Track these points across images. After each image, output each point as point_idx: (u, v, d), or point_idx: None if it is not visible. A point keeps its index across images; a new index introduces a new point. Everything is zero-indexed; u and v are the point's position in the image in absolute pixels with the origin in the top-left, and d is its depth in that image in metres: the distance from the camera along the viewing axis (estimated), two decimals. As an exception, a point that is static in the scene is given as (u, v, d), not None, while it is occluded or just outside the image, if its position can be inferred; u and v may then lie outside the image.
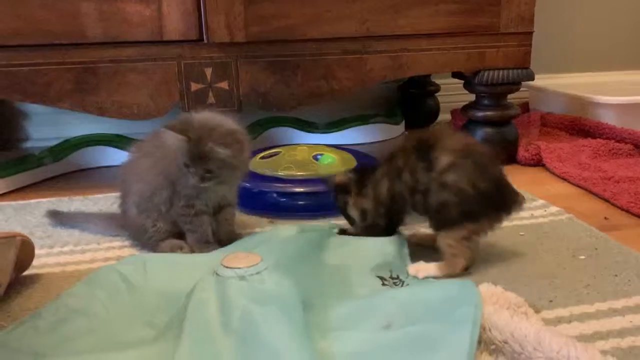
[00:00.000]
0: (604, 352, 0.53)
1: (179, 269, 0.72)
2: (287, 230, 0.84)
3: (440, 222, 0.75)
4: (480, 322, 0.56)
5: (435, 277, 0.74)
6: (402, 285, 0.72)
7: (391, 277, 0.74)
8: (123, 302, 0.66)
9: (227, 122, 0.82)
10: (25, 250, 0.76)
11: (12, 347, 0.57)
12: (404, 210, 0.81)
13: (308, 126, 1.54)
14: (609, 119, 1.47)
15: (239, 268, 0.63)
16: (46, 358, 0.57)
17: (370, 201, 0.83)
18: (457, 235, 0.74)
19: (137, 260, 0.74)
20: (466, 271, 0.76)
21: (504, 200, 0.75)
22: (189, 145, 0.77)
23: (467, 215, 0.73)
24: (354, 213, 0.86)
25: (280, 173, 1.04)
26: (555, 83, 1.71)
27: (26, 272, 0.79)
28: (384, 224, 0.84)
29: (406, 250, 0.81)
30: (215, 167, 0.79)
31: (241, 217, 1.01)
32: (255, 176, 1.04)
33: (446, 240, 0.75)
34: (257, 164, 1.08)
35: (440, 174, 0.73)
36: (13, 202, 1.10)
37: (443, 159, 0.74)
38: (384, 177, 0.81)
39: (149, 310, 0.64)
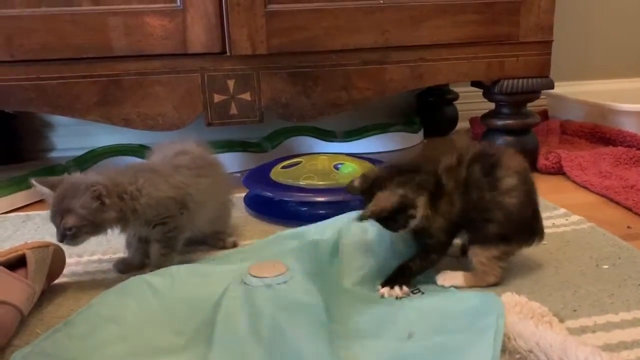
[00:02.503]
0: (629, 362, 0.54)
1: (206, 278, 0.73)
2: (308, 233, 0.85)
3: (478, 237, 0.75)
4: (503, 331, 0.57)
5: (459, 287, 0.75)
6: (420, 295, 0.73)
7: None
8: (152, 310, 0.68)
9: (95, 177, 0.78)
10: (57, 259, 0.78)
11: (48, 354, 0.59)
12: (464, 226, 0.76)
13: (327, 135, 1.56)
14: (630, 126, 1.46)
15: (266, 277, 0.64)
16: None
17: (442, 219, 0.74)
18: (490, 253, 0.74)
19: (165, 272, 0.76)
20: (493, 286, 0.76)
21: (534, 230, 0.77)
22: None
23: (503, 237, 0.74)
24: (414, 224, 0.74)
25: (302, 182, 1.05)
26: (575, 90, 1.70)
27: (57, 281, 0.82)
28: (448, 240, 0.77)
29: None
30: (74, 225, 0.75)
31: (263, 226, 1.02)
32: (276, 185, 1.06)
33: (479, 258, 0.74)
34: (278, 174, 1.10)
35: (502, 195, 0.73)
36: (42, 212, 1.12)
37: (508, 181, 0.73)
38: (456, 195, 0.74)
39: (177, 319, 0.66)
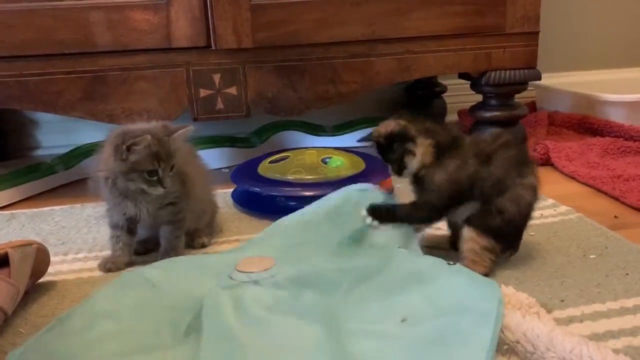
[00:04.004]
0: (616, 351, 0.53)
1: (203, 270, 0.72)
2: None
3: (482, 221, 0.74)
4: (502, 317, 0.56)
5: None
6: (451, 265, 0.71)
7: None
8: (149, 304, 0.67)
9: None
10: (40, 258, 0.77)
11: (45, 351, 0.59)
12: (473, 196, 0.74)
13: (315, 129, 1.55)
14: (618, 116, 1.47)
15: (253, 272, 0.64)
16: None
17: (446, 176, 0.73)
18: (484, 243, 0.74)
19: (162, 264, 0.75)
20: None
21: (516, 242, 0.80)
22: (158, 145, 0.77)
23: (499, 233, 0.74)
24: (413, 168, 0.74)
25: (289, 177, 1.05)
26: (562, 82, 1.70)
27: (42, 280, 0.80)
28: (444, 208, 0.75)
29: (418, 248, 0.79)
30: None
31: (251, 222, 1.02)
32: (264, 181, 1.05)
33: (473, 245, 0.74)
34: (266, 169, 1.09)
35: (524, 187, 0.75)
36: (27, 210, 1.11)
37: (532, 179, 0.76)
38: (472, 158, 0.73)
39: (174, 313, 0.65)
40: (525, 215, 0.77)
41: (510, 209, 0.74)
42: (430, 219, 0.78)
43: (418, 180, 0.75)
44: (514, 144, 0.77)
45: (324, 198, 0.85)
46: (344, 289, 0.65)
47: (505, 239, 0.76)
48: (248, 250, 0.80)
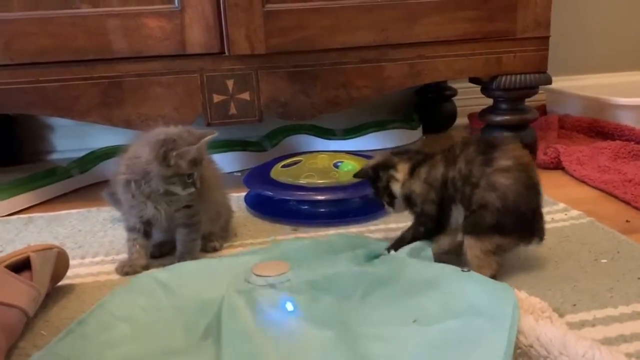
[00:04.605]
0: (628, 355, 0.54)
1: (215, 273, 0.73)
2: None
3: (474, 225, 0.75)
4: (518, 322, 0.57)
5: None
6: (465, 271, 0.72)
7: None
8: (163, 308, 0.68)
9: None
10: (60, 262, 0.79)
11: (63, 356, 0.60)
12: (454, 199, 0.78)
13: (326, 133, 1.56)
14: (629, 120, 1.47)
15: (269, 276, 0.65)
16: None
17: (421, 183, 0.81)
18: (484, 247, 0.75)
19: (173, 267, 0.76)
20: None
21: (532, 229, 0.77)
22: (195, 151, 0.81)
23: (498, 228, 0.74)
24: (398, 191, 0.83)
25: (302, 181, 1.06)
26: (573, 85, 1.70)
27: (61, 283, 0.82)
28: (434, 212, 0.81)
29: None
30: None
31: (264, 226, 1.03)
32: (276, 184, 1.06)
33: (474, 251, 0.75)
34: (279, 173, 1.10)
35: (494, 173, 0.74)
36: (44, 214, 1.13)
37: (502, 161, 0.74)
38: (440, 162, 0.80)
39: (188, 316, 0.66)
40: (515, 198, 0.73)
41: (489, 198, 0.74)
42: (432, 229, 0.82)
43: (408, 200, 0.83)
44: (473, 141, 0.79)
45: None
46: (358, 295, 0.66)
47: (509, 228, 0.74)
48: (260, 254, 0.81)
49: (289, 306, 0.62)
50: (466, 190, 0.76)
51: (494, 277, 0.75)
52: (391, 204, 0.85)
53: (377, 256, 0.78)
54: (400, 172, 0.83)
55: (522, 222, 0.75)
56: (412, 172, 0.83)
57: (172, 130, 0.84)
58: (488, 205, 0.74)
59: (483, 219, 0.74)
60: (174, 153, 0.79)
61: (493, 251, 0.75)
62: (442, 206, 0.80)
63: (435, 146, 0.87)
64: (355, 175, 0.90)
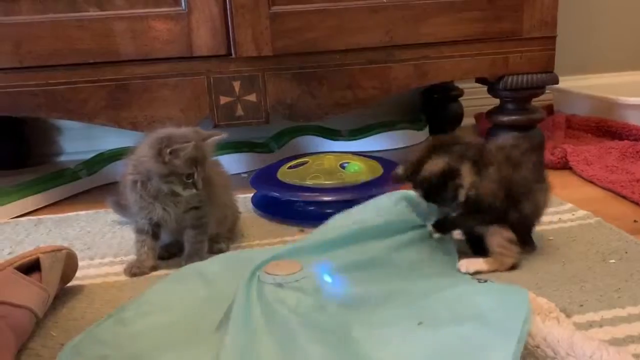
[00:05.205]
0: (636, 356, 0.54)
1: (251, 265, 0.72)
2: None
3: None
4: (525, 339, 0.55)
5: (481, 272, 0.79)
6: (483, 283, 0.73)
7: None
8: (199, 299, 0.69)
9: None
10: (69, 263, 0.79)
11: (98, 340, 0.61)
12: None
13: (333, 134, 1.56)
14: (636, 119, 1.46)
15: (278, 275, 0.66)
16: (122, 351, 0.60)
17: (491, 184, 0.76)
18: (509, 235, 0.78)
19: (219, 260, 0.78)
20: (513, 269, 0.80)
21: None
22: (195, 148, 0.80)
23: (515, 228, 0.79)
24: (464, 194, 0.76)
25: (308, 182, 1.06)
26: (580, 84, 1.70)
27: (70, 284, 0.83)
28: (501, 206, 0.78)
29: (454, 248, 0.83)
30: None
31: (270, 227, 1.03)
32: (283, 186, 1.07)
33: (497, 239, 0.78)
34: (285, 174, 1.11)
35: (540, 192, 0.81)
36: (53, 216, 1.14)
37: (546, 185, 0.83)
38: (503, 164, 0.78)
39: (217, 308, 0.66)
40: (537, 216, 0.83)
41: (528, 209, 0.80)
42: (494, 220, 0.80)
43: (468, 207, 0.77)
44: (534, 150, 0.83)
45: (369, 206, 0.85)
46: (369, 306, 0.66)
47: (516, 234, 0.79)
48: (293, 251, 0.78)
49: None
50: (520, 195, 0.79)
51: (515, 266, 0.80)
52: (446, 205, 0.78)
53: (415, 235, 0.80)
54: (466, 177, 0.76)
55: (526, 232, 0.84)
56: (477, 172, 0.76)
57: (180, 130, 0.84)
58: (522, 211, 0.79)
59: (509, 216, 0.79)
60: (168, 150, 0.79)
61: (515, 242, 0.78)
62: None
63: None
64: (396, 179, 0.79)
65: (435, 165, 0.75)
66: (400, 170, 0.79)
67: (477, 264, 0.79)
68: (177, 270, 0.79)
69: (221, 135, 0.85)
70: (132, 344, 0.61)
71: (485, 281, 0.68)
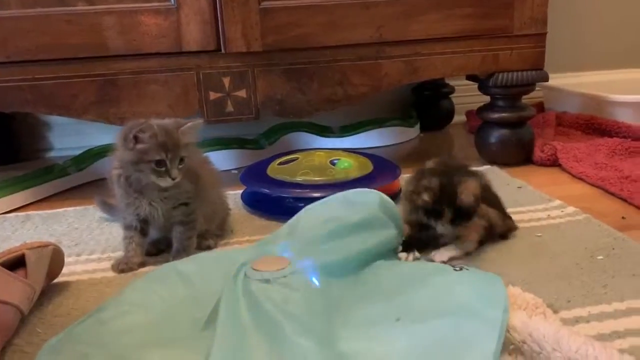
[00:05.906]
0: (621, 351, 0.54)
1: (233, 264, 0.71)
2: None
3: None
4: (506, 326, 0.57)
5: (455, 257, 0.82)
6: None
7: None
8: (178, 298, 0.68)
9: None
10: (56, 259, 0.79)
11: (78, 340, 0.61)
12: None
13: (324, 130, 1.56)
14: (626, 117, 1.47)
15: (266, 271, 0.65)
16: (104, 349, 0.59)
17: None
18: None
19: (194, 258, 0.77)
20: (481, 246, 0.85)
21: None
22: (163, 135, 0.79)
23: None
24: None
25: (298, 179, 1.06)
26: (570, 82, 1.71)
27: (56, 280, 0.82)
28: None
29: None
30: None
31: (260, 223, 1.03)
32: (273, 182, 1.06)
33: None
34: (275, 170, 1.10)
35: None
36: (41, 212, 1.13)
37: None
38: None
39: (198, 307, 0.66)
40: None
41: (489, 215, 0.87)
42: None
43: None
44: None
45: (340, 201, 0.86)
46: (351, 301, 0.66)
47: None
48: (271, 246, 0.79)
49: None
50: None
51: (482, 241, 0.85)
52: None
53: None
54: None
55: None
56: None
57: (157, 120, 0.83)
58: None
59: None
60: (131, 135, 0.78)
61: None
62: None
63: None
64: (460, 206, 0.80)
65: (474, 186, 0.80)
66: (426, 197, 0.79)
67: (449, 250, 0.83)
68: (155, 269, 0.78)
69: (198, 122, 0.84)
70: (114, 342, 0.60)
71: (461, 268, 0.68)
